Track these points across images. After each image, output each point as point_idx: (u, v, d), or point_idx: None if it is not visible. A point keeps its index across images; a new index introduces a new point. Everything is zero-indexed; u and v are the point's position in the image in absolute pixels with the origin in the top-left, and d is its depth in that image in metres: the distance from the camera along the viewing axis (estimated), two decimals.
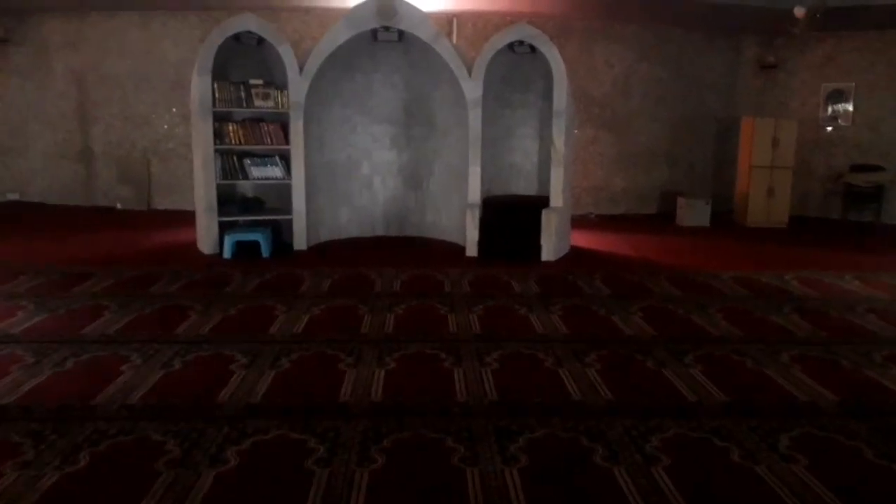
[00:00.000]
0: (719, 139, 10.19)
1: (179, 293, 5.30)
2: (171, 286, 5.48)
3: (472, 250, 6.85)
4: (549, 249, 6.69)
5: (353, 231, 7.74)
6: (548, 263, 6.63)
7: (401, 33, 6.91)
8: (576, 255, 7.06)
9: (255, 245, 6.60)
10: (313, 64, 6.75)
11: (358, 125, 7.59)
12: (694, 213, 9.13)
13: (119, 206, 9.33)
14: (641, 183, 10.05)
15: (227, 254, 6.50)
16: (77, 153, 9.55)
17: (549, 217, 6.66)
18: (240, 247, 6.62)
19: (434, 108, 7.54)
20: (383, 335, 4.40)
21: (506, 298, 5.32)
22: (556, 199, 6.82)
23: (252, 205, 7.10)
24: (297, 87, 6.71)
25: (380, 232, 7.87)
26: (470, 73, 6.81)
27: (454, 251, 7.07)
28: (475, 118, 6.82)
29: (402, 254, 7.02)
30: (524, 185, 7.67)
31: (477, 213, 6.79)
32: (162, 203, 9.37)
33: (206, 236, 6.67)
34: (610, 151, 9.89)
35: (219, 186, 6.68)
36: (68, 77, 9.40)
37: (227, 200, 6.90)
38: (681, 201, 9.25)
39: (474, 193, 6.91)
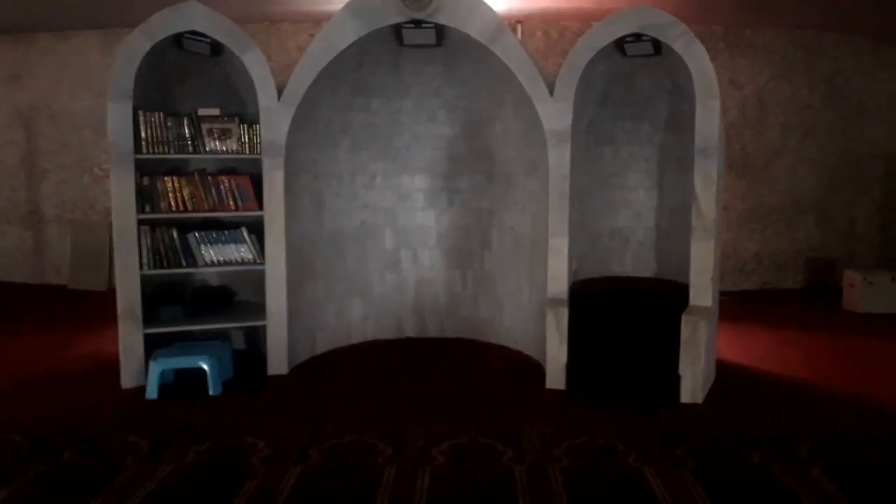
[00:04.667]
0: (890, 186, 7.26)
1: None
2: None
3: (556, 379, 4.12)
4: (695, 383, 3.88)
5: (368, 333, 5.13)
6: (694, 411, 3.81)
7: (440, 32, 4.36)
8: (729, 386, 4.19)
9: (200, 374, 4.04)
10: (300, 82, 4.25)
11: (377, 176, 5.05)
12: (874, 293, 6.19)
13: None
14: (780, 246, 7.18)
15: (152, 393, 3.94)
16: (24, 216, 7.35)
17: (694, 326, 3.87)
18: (178, 377, 4.09)
19: (492, 146, 4.95)
20: None
21: None
22: (702, 293, 4.02)
23: (210, 301, 4.56)
24: (274, 118, 4.22)
25: (410, 332, 5.24)
26: (551, 91, 4.20)
27: (527, 375, 4.36)
28: (560, 160, 4.18)
29: (441, 381, 4.32)
30: (634, 264, 4.93)
31: (564, 316, 4.08)
32: None
33: (125, 359, 4.13)
34: (739, 203, 7.07)
35: (151, 277, 4.20)
36: (14, 118, 7.25)
37: (170, 295, 4.39)
38: (853, 276, 6.32)
39: (558, 281, 4.22)
